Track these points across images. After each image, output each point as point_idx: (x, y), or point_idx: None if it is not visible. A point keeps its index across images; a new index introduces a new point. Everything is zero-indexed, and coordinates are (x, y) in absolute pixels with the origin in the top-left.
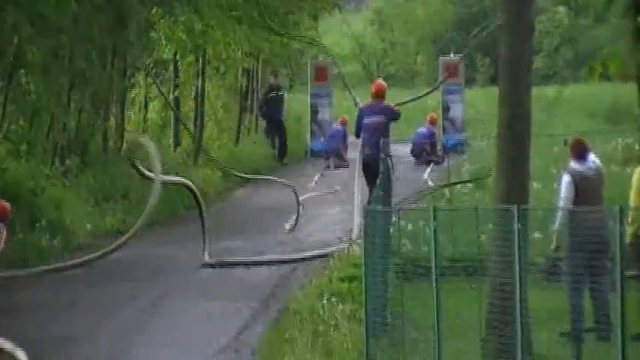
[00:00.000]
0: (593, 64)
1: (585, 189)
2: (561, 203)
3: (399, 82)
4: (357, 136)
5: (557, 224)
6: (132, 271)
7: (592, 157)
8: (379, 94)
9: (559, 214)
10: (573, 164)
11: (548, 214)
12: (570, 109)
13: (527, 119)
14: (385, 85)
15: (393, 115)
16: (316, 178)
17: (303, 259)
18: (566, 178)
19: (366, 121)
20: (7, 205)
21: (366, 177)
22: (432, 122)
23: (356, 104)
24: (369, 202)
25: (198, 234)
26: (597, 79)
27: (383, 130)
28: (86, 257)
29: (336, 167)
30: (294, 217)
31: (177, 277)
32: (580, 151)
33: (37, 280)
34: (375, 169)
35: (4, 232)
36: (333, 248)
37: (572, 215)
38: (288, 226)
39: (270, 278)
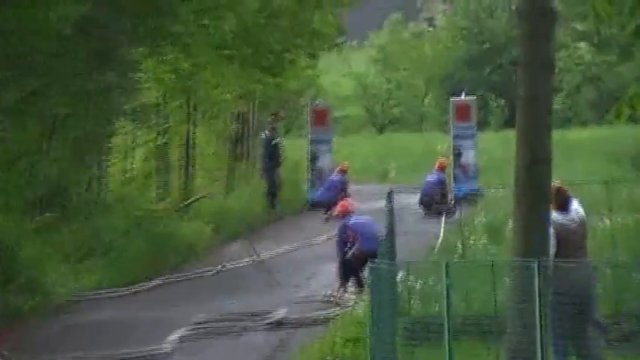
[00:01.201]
0: (619, 106)
1: (568, 241)
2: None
3: (406, 125)
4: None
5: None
6: (121, 336)
7: (575, 206)
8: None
9: None
10: (555, 214)
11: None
12: (593, 154)
13: (547, 164)
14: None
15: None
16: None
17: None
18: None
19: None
20: None
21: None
22: (442, 169)
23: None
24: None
25: (188, 294)
26: (624, 122)
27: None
28: None
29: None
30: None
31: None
32: (561, 200)
33: None
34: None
35: None
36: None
37: (554, 270)
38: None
39: (269, 340)
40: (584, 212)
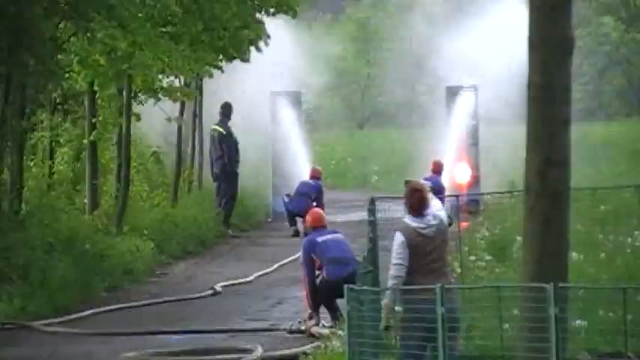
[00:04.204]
0: None
1: (423, 252)
2: (392, 271)
3: (391, 118)
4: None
5: (386, 298)
6: None
7: (434, 210)
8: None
9: (389, 284)
10: (408, 219)
11: (594, 294)
12: (621, 154)
13: (565, 167)
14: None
15: None
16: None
17: None
18: (397, 238)
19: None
20: None
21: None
22: (437, 171)
23: None
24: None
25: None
26: None
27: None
28: None
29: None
30: None
31: None
32: (417, 202)
33: None
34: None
35: None
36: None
37: (405, 290)
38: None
39: None
40: (445, 218)
